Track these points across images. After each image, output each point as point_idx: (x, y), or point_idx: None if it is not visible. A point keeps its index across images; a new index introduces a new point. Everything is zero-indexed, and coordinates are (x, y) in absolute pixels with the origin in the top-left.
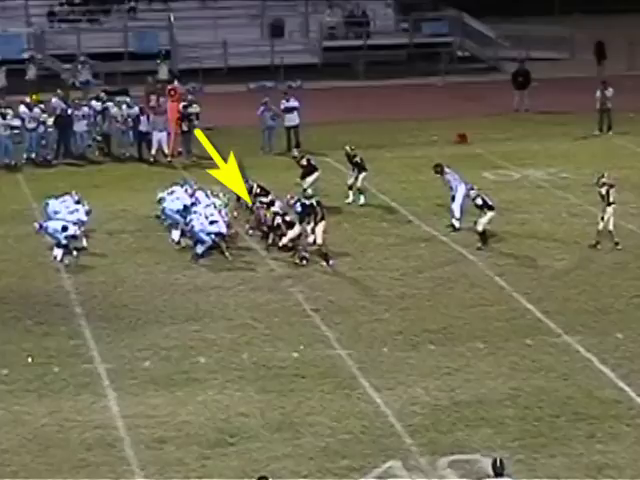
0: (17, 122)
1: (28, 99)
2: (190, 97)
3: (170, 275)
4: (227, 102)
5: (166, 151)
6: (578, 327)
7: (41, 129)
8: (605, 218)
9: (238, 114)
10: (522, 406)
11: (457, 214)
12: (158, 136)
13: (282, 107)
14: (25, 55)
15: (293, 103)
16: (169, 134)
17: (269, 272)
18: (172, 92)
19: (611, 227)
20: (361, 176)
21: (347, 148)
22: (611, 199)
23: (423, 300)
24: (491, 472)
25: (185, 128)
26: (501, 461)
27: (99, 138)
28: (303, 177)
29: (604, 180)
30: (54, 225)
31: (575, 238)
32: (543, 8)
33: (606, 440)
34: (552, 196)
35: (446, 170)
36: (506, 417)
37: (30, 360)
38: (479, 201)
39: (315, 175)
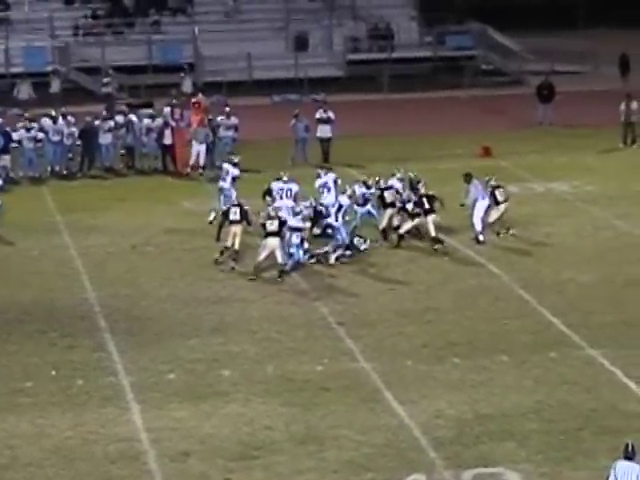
0: (41, 135)
1: (53, 112)
2: (227, 109)
3: (194, 288)
4: (251, 115)
5: (190, 162)
6: (602, 340)
7: (68, 141)
8: (497, 215)
9: (263, 127)
10: (546, 419)
11: (478, 227)
12: (197, 148)
13: (317, 117)
14: (49, 68)
15: (328, 115)
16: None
17: (293, 285)
18: (196, 105)
19: (491, 220)
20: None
21: (411, 175)
22: (500, 198)
23: (447, 313)
24: None
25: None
26: (632, 446)
27: (123, 151)
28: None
29: (492, 183)
30: None
31: (599, 251)
32: (567, 22)
33: None
34: (576, 209)
35: (474, 181)
36: (530, 430)
37: (54, 373)
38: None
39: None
